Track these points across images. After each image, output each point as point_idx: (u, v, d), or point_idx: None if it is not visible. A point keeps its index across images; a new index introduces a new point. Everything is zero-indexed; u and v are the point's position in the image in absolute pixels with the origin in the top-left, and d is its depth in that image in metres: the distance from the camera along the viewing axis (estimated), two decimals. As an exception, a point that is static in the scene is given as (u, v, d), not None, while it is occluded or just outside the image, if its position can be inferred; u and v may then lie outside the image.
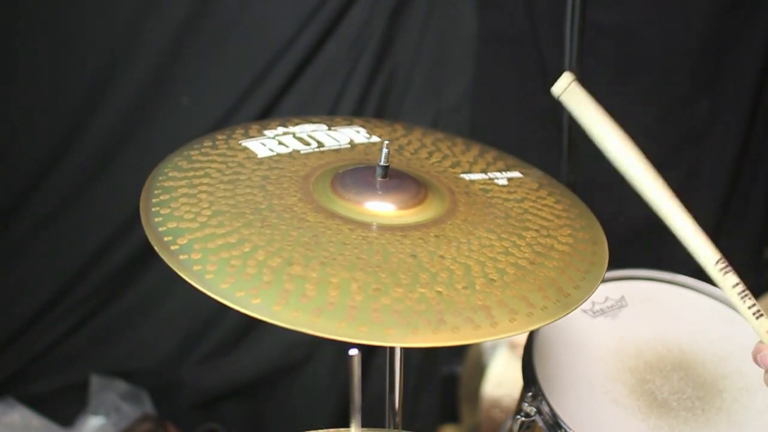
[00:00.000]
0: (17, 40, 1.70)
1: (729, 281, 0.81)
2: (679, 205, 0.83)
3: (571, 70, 1.41)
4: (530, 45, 1.76)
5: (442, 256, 0.81)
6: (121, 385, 1.83)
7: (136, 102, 1.75)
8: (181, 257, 0.76)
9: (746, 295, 0.81)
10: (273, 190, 0.90)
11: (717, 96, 1.84)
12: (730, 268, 0.81)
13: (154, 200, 0.85)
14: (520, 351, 1.07)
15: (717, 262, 0.81)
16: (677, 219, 0.83)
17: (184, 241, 0.78)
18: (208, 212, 0.83)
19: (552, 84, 0.89)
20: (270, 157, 0.97)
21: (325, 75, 1.76)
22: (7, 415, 1.78)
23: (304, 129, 1.05)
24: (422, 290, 0.76)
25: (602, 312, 1.14)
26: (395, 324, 0.71)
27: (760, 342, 0.81)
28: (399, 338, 0.71)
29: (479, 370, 1.76)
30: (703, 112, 1.84)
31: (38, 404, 1.81)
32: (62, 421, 1.80)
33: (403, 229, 0.85)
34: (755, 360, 0.82)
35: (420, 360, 1.86)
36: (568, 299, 0.80)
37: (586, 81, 1.43)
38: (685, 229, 0.82)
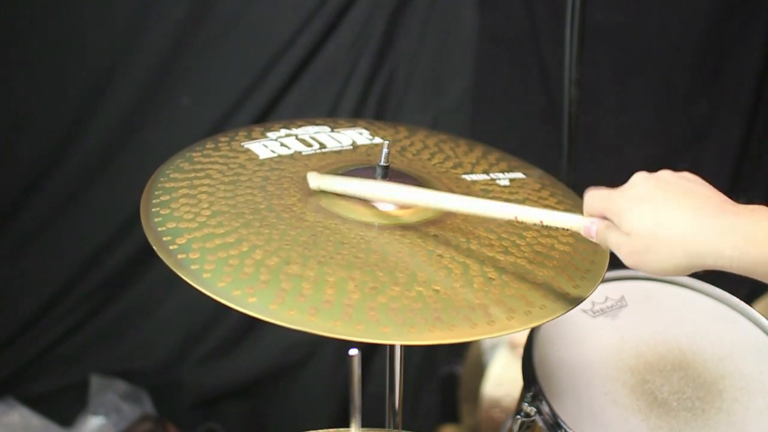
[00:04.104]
0: (17, 40, 1.71)
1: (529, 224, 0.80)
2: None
3: (571, 70, 1.41)
4: (530, 45, 1.76)
5: (440, 255, 0.81)
6: (121, 385, 1.83)
7: (136, 102, 1.75)
8: (179, 257, 0.76)
9: (546, 226, 0.80)
10: (273, 190, 0.90)
11: (717, 96, 1.84)
12: (521, 220, 0.80)
13: (154, 201, 0.86)
14: (520, 351, 1.07)
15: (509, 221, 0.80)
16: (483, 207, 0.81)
17: (183, 241, 0.79)
18: (208, 212, 0.84)
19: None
20: (271, 159, 0.97)
21: (325, 75, 1.76)
22: (7, 415, 1.78)
23: (307, 131, 1.06)
24: (419, 288, 0.76)
25: (602, 312, 1.14)
26: (391, 322, 0.72)
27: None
28: (395, 336, 0.71)
29: (479, 370, 1.76)
30: (703, 112, 1.84)
31: (38, 404, 1.81)
32: (62, 421, 1.80)
33: (402, 229, 0.85)
34: (588, 235, 0.78)
35: (420, 360, 1.86)
36: (567, 298, 0.80)
37: (586, 81, 1.44)
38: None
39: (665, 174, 0.75)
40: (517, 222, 0.81)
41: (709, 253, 0.69)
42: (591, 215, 0.77)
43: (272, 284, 0.74)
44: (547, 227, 0.82)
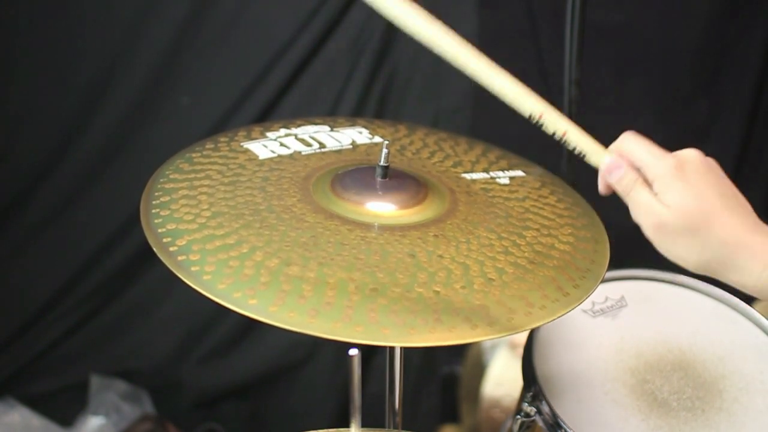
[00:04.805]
0: (17, 40, 1.71)
1: (549, 131, 0.76)
2: (489, 63, 0.79)
3: (571, 70, 1.41)
4: (530, 45, 1.76)
5: (440, 256, 0.81)
6: (121, 385, 1.83)
7: (136, 102, 1.75)
8: (179, 258, 0.76)
9: (566, 141, 0.77)
10: (273, 191, 0.89)
11: (717, 96, 1.83)
12: (544, 119, 0.76)
13: (154, 202, 0.85)
14: (520, 351, 1.07)
15: (530, 116, 0.76)
16: (491, 76, 0.78)
17: (183, 243, 0.78)
18: (208, 213, 0.83)
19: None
20: (271, 159, 0.97)
21: (325, 75, 1.76)
22: (7, 415, 1.78)
23: (307, 130, 1.06)
24: (420, 290, 0.76)
25: (602, 312, 1.14)
26: (391, 324, 0.71)
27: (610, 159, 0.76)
28: (395, 338, 0.71)
29: (479, 370, 1.76)
30: (703, 112, 1.84)
31: (38, 404, 1.81)
32: (62, 421, 1.80)
33: (403, 229, 0.85)
34: (604, 178, 0.76)
35: (420, 360, 1.86)
36: (567, 298, 0.80)
37: (586, 81, 1.44)
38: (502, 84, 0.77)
39: (715, 165, 0.75)
40: (539, 120, 0.76)
41: (739, 265, 0.70)
42: (620, 156, 0.75)
43: (273, 286, 0.73)
44: (565, 141, 0.77)
